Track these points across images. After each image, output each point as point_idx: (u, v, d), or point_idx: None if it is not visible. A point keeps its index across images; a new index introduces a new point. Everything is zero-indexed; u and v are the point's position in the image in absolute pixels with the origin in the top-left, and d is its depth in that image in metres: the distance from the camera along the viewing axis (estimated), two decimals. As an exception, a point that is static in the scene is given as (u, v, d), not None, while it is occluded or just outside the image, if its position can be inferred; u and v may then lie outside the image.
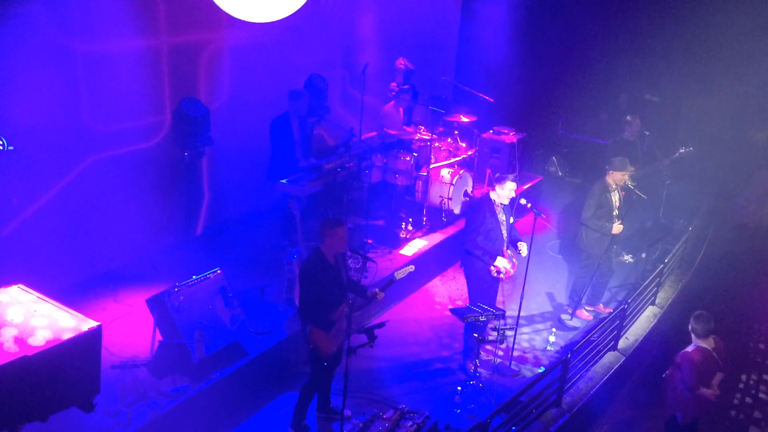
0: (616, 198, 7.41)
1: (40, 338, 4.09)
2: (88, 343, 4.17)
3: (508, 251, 6.55)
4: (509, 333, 7.00)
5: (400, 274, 5.74)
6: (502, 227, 6.53)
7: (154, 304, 5.80)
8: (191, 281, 6.01)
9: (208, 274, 6.18)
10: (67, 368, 4.11)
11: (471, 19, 11.78)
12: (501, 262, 6.46)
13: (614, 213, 7.38)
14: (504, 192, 6.46)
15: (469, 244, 6.55)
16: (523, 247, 6.49)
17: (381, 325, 5.60)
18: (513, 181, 6.50)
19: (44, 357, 3.99)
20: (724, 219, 10.60)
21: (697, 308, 6.85)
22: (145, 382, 5.60)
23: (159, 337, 5.88)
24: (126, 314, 6.50)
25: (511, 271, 6.59)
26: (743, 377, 7.79)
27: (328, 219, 5.54)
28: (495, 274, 6.50)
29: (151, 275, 6.82)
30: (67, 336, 4.11)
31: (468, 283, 6.80)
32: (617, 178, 7.39)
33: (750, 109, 11.93)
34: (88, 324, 4.22)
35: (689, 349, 5.81)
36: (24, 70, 5.95)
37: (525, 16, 11.70)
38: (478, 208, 6.62)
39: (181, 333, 5.73)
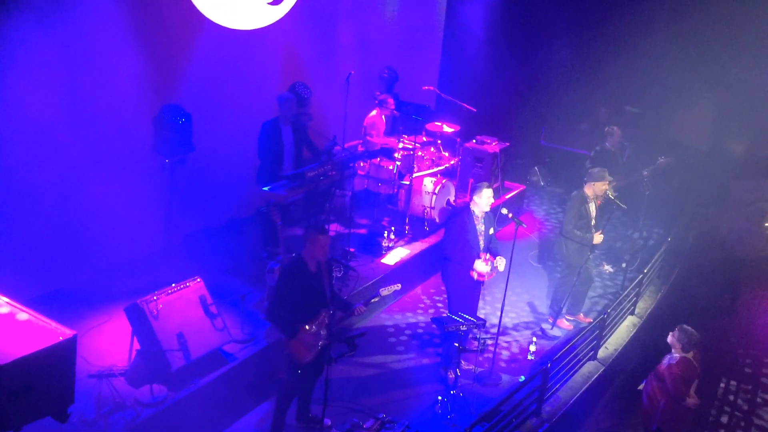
0: (593, 208, 7.48)
1: (13, 347, 4.01)
2: (63, 353, 4.10)
3: (487, 255, 6.55)
4: (490, 342, 7.04)
5: (385, 292, 5.72)
6: (480, 237, 6.54)
7: (132, 312, 5.74)
8: (170, 289, 5.96)
9: (188, 282, 6.13)
10: (42, 377, 4.04)
11: (455, 30, 11.85)
12: (479, 266, 6.47)
13: (592, 223, 7.44)
14: (482, 200, 6.48)
15: (448, 251, 6.57)
16: (500, 263, 6.49)
17: (362, 334, 5.62)
18: (489, 188, 6.52)
19: (18, 366, 3.90)
20: (702, 229, 10.73)
21: (676, 318, 6.94)
22: (123, 392, 5.54)
23: (137, 345, 5.81)
24: (103, 322, 6.42)
25: (492, 273, 6.57)
26: (722, 386, 7.87)
27: (311, 226, 5.52)
28: (476, 277, 6.51)
29: (129, 283, 6.75)
30: (41, 345, 4.03)
31: (447, 291, 6.81)
32: (598, 189, 7.45)
33: (728, 120, 12.14)
34: (64, 333, 4.15)
35: (673, 361, 5.86)
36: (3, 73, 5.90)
37: (508, 28, 11.82)
38: (457, 217, 6.64)
39: (160, 341, 5.67)
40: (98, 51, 6.68)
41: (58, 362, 4.12)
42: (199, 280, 6.22)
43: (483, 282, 6.64)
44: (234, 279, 7.42)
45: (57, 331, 4.17)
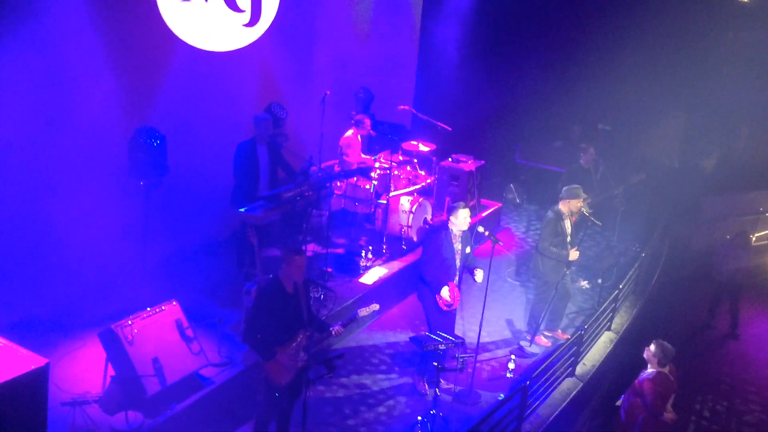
0: (568, 225, 7.56)
1: (-16, 376, 3.94)
2: (34, 381, 4.03)
3: (455, 282, 6.57)
4: (469, 360, 7.03)
5: (363, 312, 5.70)
6: (457, 256, 6.57)
7: (106, 337, 5.65)
8: (145, 313, 5.88)
9: (163, 305, 6.06)
10: (13, 407, 3.96)
11: (429, 50, 12.00)
12: (444, 293, 6.46)
13: (567, 240, 7.52)
14: (459, 220, 6.51)
15: (424, 271, 6.58)
16: (478, 274, 6.52)
17: (340, 355, 5.58)
18: (465, 207, 6.55)
19: (-12, 396, 3.84)
20: (675, 244, 10.89)
21: (652, 332, 7.01)
22: (97, 419, 5.44)
23: (111, 371, 5.72)
24: (77, 349, 6.30)
25: (454, 304, 6.57)
26: (698, 400, 7.95)
27: (288, 246, 5.49)
28: (442, 306, 6.52)
29: (103, 307, 6.65)
30: (12, 374, 3.95)
31: (425, 310, 6.81)
32: (573, 206, 7.54)
33: (697, 138, 12.42)
34: (36, 361, 4.07)
35: (649, 375, 5.91)
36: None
37: (482, 48, 12.00)
38: (434, 236, 6.66)
39: (135, 367, 5.58)
40: (71, 73, 6.64)
41: (29, 391, 4.04)
42: (174, 303, 6.15)
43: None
44: (211, 301, 7.35)
45: (29, 360, 4.09)
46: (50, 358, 4.24)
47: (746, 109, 12.81)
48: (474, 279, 6.55)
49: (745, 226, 10.82)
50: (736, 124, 13.22)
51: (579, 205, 7.55)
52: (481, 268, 6.59)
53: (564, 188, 7.64)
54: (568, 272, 7.63)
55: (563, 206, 7.53)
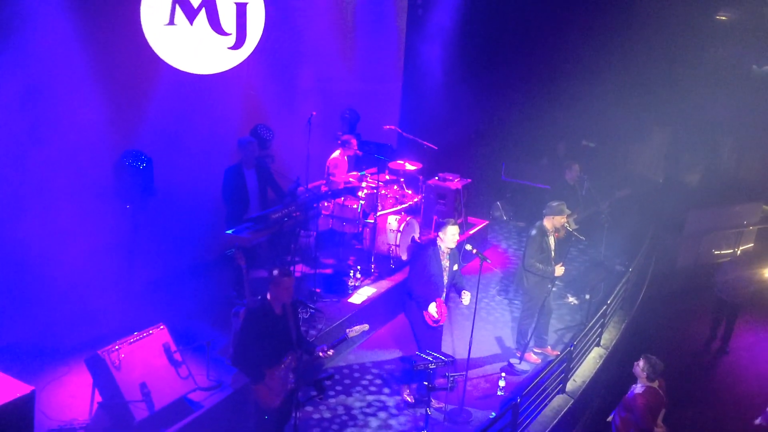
0: (552, 241, 7.61)
1: (-33, 405, 3.88)
2: (20, 409, 3.98)
3: (442, 298, 6.58)
4: (459, 379, 7.01)
5: (353, 332, 5.68)
6: (444, 273, 6.58)
7: (92, 363, 5.60)
8: (132, 338, 5.83)
9: (151, 329, 6.02)
10: (-3, 436, 3.91)
11: (414, 70, 12.11)
12: (431, 309, 6.47)
13: (552, 256, 7.56)
14: (447, 237, 6.54)
15: (411, 286, 6.59)
16: (465, 297, 6.53)
17: (330, 376, 5.56)
18: (454, 224, 6.59)
19: (-28, 425, 3.78)
20: (661, 258, 10.97)
21: (641, 347, 7.04)
22: (83, 447, 5.36)
23: (98, 398, 5.65)
24: (63, 375, 6.22)
25: (441, 320, 6.58)
26: (688, 414, 7.96)
27: (275, 268, 5.49)
28: (429, 322, 6.52)
29: (90, 333, 6.57)
30: (-3, 402, 3.91)
31: (412, 326, 6.79)
32: (557, 222, 7.59)
33: (681, 152, 12.56)
34: (21, 388, 4.02)
35: (639, 390, 5.92)
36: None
37: (467, 67, 12.12)
38: (422, 252, 6.67)
39: (122, 392, 5.53)
40: (56, 96, 6.63)
41: (15, 419, 3.99)
42: (162, 327, 6.11)
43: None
44: (199, 324, 7.30)
45: (14, 387, 4.04)
46: (36, 385, 4.20)
47: (729, 124, 13.01)
48: (461, 301, 6.56)
49: (729, 239, 10.92)
50: (719, 138, 13.43)
51: (563, 221, 7.60)
52: (467, 290, 6.59)
53: (548, 204, 7.70)
54: (553, 288, 7.65)
55: (547, 222, 7.57)
